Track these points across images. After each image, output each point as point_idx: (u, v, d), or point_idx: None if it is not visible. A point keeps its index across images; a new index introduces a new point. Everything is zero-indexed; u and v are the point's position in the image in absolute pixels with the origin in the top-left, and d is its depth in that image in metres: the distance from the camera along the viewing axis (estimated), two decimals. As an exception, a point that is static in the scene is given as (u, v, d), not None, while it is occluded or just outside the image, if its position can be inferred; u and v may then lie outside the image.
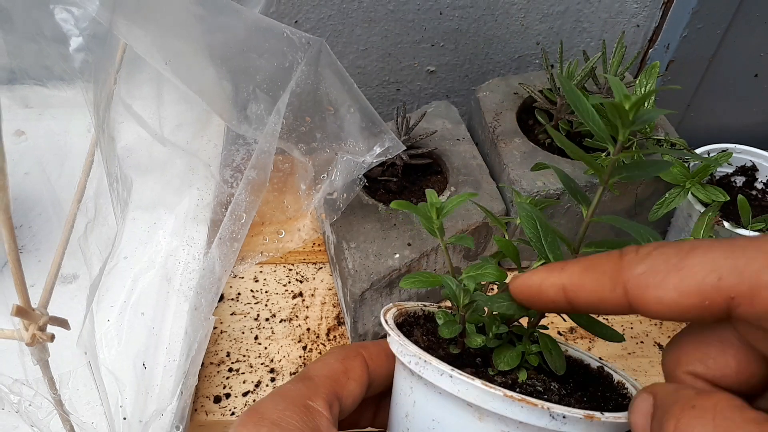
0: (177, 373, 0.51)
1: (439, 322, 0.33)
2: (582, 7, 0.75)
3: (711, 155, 0.67)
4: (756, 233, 0.60)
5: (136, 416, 0.48)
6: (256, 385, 0.57)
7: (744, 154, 0.69)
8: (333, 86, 0.49)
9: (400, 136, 0.61)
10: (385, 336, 0.34)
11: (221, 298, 0.64)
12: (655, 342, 0.62)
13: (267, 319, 0.63)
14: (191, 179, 0.66)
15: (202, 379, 0.58)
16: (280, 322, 0.62)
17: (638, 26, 0.77)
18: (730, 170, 0.70)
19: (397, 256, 0.56)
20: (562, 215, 0.62)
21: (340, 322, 0.63)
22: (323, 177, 0.55)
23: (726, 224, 0.59)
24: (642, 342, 0.62)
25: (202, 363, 0.57)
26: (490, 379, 0.31)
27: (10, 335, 0.31)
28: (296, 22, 0.73)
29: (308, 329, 0.62)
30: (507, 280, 0.31)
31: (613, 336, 0.32)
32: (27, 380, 0.37)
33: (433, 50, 0.77)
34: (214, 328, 0.61)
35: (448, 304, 0.35)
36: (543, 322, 0.33)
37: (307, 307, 0.64)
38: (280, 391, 0.31)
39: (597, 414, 0.26)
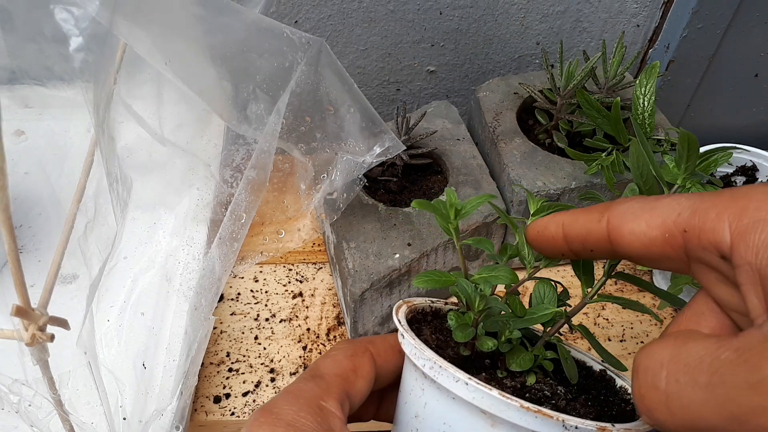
0: (177, 373, 0.51)
1: (452, 324, 0.32)
2: (582, 7, 0.75)
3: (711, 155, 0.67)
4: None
5: (136, 416, 0.48)
6: (256, 386, 0.57)
7: (744, 154, 0.69)
8: (333, 86, 0.49)
9: (400, 136, 0.61)
10: (392, 331, 0.34)
11: (221, 298, 0.64)
12: (655, 342, 0.62)
13: (267, 319, 0.63)
14: (191, 179, 0.66)
15: (202, 379, 0.58)
16: (280, 322, 0.62)
17: (638, 26, 0.77)
18: (731, 170, 0.70)
19: (397, 256, 0.56)
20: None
21: (340, 322, 0.63)
22: (323, 177, 0.55)
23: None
24: (642, 342, 0.62)
25: (202, 363, 0.57)
26: (499, 382, 0.31)
27: (10, 335, 0.31)
28: (296, 22, 0.73)
29: (308, 329, 0.62)
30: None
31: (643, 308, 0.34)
32: (27, 380, 0.37)
33: (433, 50, 0.77)
34: (214, 328, 0.61)
35: (455, 300, 0.35)
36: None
37: (307, 307, 0.64)
38: (292, 389, 0.31)
39: (609, 426, 0.27)
